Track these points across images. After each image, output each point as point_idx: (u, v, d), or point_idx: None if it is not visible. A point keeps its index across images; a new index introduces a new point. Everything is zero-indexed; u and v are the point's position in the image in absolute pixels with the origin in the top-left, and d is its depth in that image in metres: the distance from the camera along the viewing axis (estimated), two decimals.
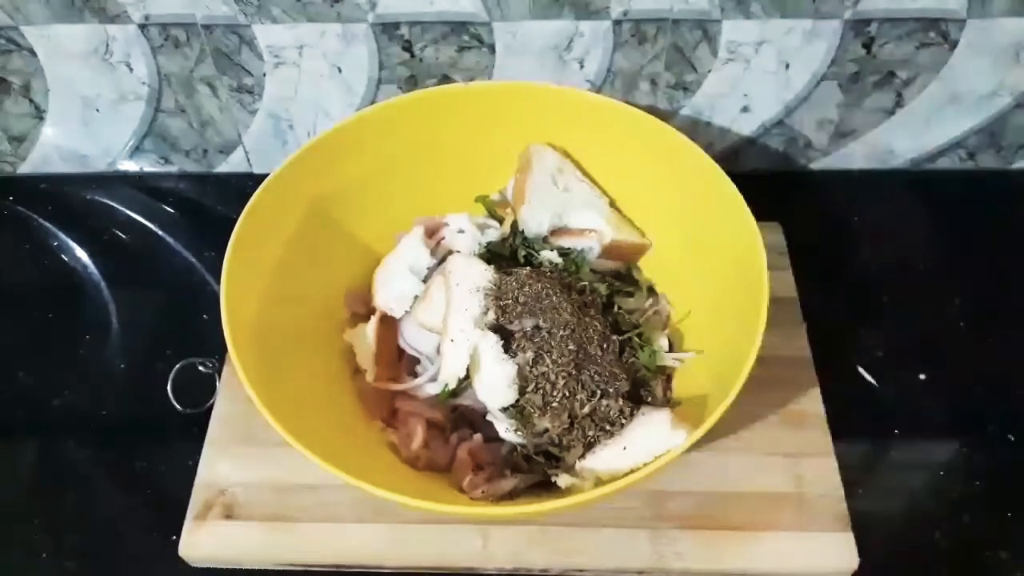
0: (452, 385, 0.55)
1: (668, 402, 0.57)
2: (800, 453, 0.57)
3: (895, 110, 0.72)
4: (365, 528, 0.55)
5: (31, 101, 0.74)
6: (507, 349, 0.54)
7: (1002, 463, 0.59)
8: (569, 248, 0.62)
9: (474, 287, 0.57)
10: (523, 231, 0.63)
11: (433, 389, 0.57)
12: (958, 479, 0.59)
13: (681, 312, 0.61)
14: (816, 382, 0.61)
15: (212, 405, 0.61)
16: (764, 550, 0.53)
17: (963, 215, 0.74)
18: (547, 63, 0.68)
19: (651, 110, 0.66)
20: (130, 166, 0.80)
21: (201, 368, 0.64)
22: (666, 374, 0.58)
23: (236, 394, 0.59)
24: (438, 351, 0.57)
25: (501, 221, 0.65)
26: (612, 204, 0.64)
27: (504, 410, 0.54)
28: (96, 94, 0.73)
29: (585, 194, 0.64)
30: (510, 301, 0.56)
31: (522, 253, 0.62)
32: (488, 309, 0.55)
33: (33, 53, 0.70)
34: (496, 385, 0.53)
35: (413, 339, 0.60)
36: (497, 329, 0.55)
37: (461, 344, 0.54)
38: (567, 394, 0.52)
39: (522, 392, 0.53)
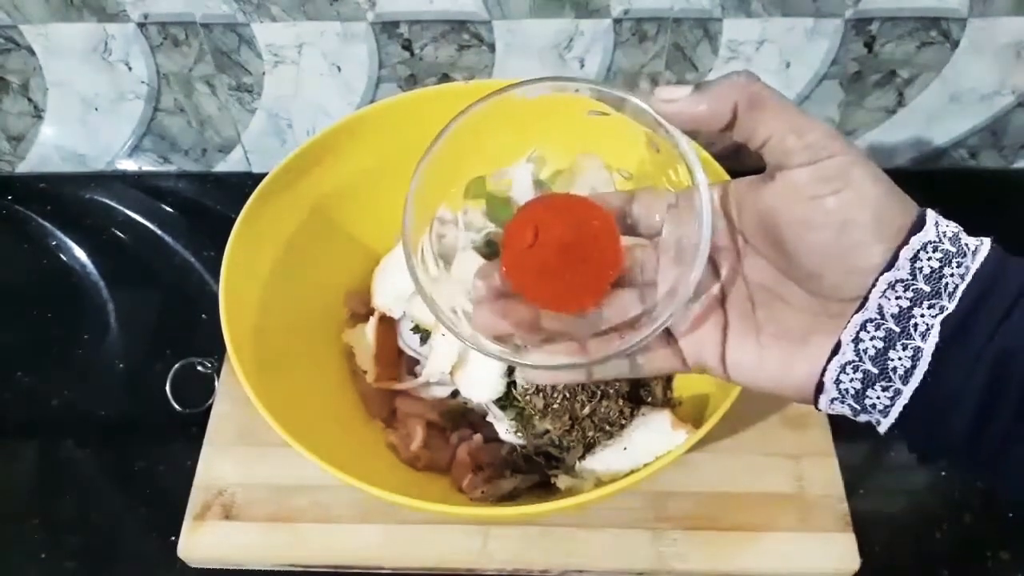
0: (434, 379, 0.55)
1: (668, 402, 0.57)
2: (801, 453, 0.57)
3: (896, 109, 0.72)
4: (365, 528, 0.55)
5: (30, 100, 0.74)
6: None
7: None
8: None
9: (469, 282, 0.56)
10: None
11: (438, 391, 0.57)
12: (958, 479, 0.59)
13: None
14: None
15: (211, 405, 0.61)
16: (765, 550, 0.53)
17: (965, 215, 0.74)
18: (547, 62, 0.68)
19: None
20: (129, 165, 0.79)
21: (200, 368, 0.64)
22: (666, 374, 0.58)
23: (235, 394, 0.59)
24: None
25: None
26: None
27: (504, 409, 0.54)
28: (95, 93, 0.73)
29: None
30: None
31: None
32: None
33: (32, 52, 0.69)
34: (484, 378, 0.53)
35: (412, 339, 0.60)
36: None
37: (452, 340, 0.54)
38: (567, 396, 0.52)
39: (523, 394, 0.53)
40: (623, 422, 0.53)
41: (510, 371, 0.54)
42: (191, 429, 0.61)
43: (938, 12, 0.65)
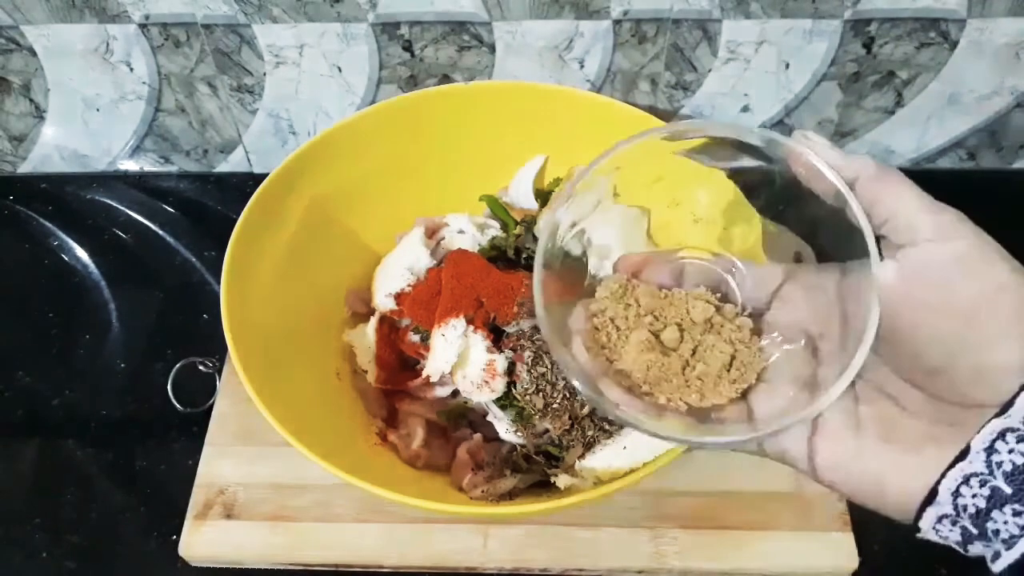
0: (434, 379, 0.55)
1: None
2: None
3: (895, 110, 0.72)
4: (365, 528, 0.55)
5: (31, 100, 0.74)
6: (496, 347, 0.54)
7: None
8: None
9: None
10: (534, 234, 0.63)
11: (438, 391, 0.57)
12: None
13: None
14: None
15: (212, 405, 0.61)
16: (764, 549, 0.53)
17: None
18: (547, 63, 0.68)
19: (651, 110, 0.66)
20: (130, 166, 0.80)
21: (201, 368, 0.64)
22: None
23: (236, 394, 0.60)
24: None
25: (504, 222, 0.65)
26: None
27: (504, 409, 0.54)
28: (96, 94, 0.73)
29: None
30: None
31: (523, 255, 0.62)
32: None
33: (33, 52, 0.70)
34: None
35: (412, 338, 0.60)
36: (491, 328, 0.55)
37: (452, 339, 0.54)
38: (567, 395, 0.52)
39: (523, 394, 0.53)
40: None
41: (510, 370, 0.54)
42: (192, 428, 0.61)
43: (937, 13, 0.65)
